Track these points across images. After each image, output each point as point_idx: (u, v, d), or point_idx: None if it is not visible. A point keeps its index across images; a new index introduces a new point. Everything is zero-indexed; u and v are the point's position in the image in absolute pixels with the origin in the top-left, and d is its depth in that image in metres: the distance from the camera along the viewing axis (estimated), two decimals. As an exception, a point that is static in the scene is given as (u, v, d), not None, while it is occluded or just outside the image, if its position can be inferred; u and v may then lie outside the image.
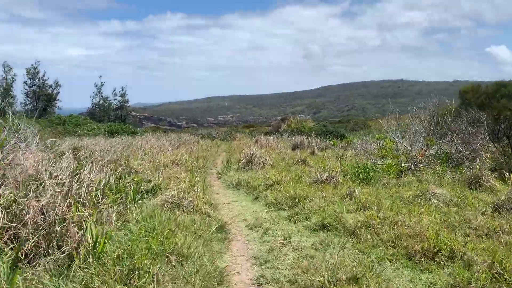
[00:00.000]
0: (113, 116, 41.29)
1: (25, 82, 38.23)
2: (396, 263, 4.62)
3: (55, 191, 4.20)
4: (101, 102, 40.24)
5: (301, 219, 6.32)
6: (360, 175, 8.53)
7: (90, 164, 7.28)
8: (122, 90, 42.18)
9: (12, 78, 34.46)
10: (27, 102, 39.29)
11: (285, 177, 8.61)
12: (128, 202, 5.68)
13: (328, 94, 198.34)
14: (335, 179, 8.30)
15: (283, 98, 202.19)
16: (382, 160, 9.77)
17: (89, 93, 41.65)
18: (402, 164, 9.44)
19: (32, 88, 38.63)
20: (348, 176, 8.75)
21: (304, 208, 6.61)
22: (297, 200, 7.08)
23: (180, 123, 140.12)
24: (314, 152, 15.13)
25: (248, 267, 4.64)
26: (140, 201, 5.99)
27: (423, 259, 4.57)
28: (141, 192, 6.92)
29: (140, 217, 5.50)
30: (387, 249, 4.91)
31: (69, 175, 4.62)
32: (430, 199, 6.97)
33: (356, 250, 4.94)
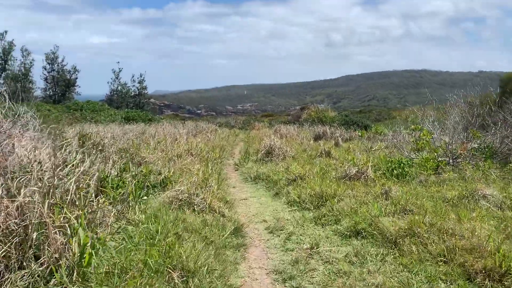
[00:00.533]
0: (131, 103, 40.95)
1: (44, 67, 38.14)
2: (452, 285, 3.73)
3: (34, 188, 3.44)
4: (119, 88, 39.89)
5: (330, 222, 5.45)
6: (394, 170, 7.58)
7: (93, 155, 6.58)
8: (141, 76, 41.77)
9: (31, 63, 34.25)
10: (47, 88, 39.28)
11: (309, 172, 7.73)
12: (130, 199, 4.91)
13: (349, 83, 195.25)
14: (366, 175, 7.39)
15: (303, 87, 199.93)
16: (416, 153, 8.77)
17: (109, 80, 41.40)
18: (439, 159, 8.44)
19: (51, 74, 38.53)
20: (380, 172, 7.82)
21: (332, 209, 5.74)
22: (323, 199, 6.20)
23: (199, 111, 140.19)
24: (338, 143, 14.17)
25: (268, 285, 3.82)
26: (145, 197, 5.22)
27: (487, 281, 3.66)
28: (148, 186, 6.16)
29: (144, 216, 4.74)
30: (438, 266, 4.01)
31: (52, 167, 3.84)
32: (478, 201, 6.01)
33: (400, 266, 4.06)
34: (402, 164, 7.77)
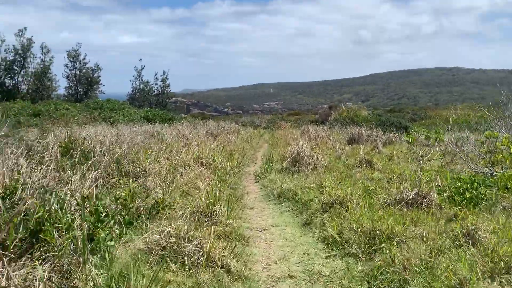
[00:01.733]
0: (153, 102, 39.78)
1: (66, 65, 37.40)
2: None
3: None
4: (141, 86, 38.76)
5: (392, 285, 3.55)
6: (467, 192, 5.58)
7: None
8: (164, 74, 40.50)
9: (50, 60, 33.44)
10: (70, 86, 38.58)
11: (349, 193, 5.80)
12: (82, 249, 3.18)
13: (377, 81, 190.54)
14: (429, 200, 5.42)
15: (330, 86, 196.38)
16: (490, 168, 6.71)
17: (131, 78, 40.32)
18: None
19: (73, 72, 37.78)
20: (446, 194, 5.82)
21: (392, 259, 3.83)
22: (376, 239, 4.30)
23: (225, 110, 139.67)
24: (378, 149, 12.13)
25: None
26: (111, 243, 3.48)
27: None
28: (132, 217, 4.42)
29: (101, 279, 3.00)
30: None
31: None
32: None
33: None
34: (476, 183, 5.76)
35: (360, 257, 4.14)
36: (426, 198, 5.45)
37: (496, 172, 6.36)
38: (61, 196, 3.85)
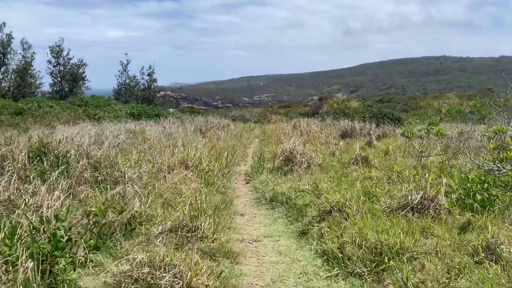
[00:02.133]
0: (140, 97, 38.88)
1: (49, 61, 36.30)
2: None
3: None
4: (127, 81, 37.81)
5: (406, 315, 3.03)
6: (477, 194, 5.07)
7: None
8: (150, 68, 39.54)
9: (32, 56, 32.37)
10: (54, 83, 37.52)
11: (349, 198, 5.25)
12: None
13: (366, 72, 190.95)
14: (437, 204, 4.91)
15: (320, 77, 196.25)
16: (498, 166, 6.22)
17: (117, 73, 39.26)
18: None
19: (56, 68, 36.71)
20: (455, 196, 5.32)
21: (405, 283, 3.30)
22: (383, 256, 3.77)
23: (215, 103, 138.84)
24: (372, 143, 11.63)
25: None
26: (71, 276, 2.90)
27: None
28: (101, 239, 3.84)
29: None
30: None
31: None
32: None
33: None
34: (486, 184, 5.26)
35: (365, 278, 3.61)
36: (433, 202, 4.93)
37: (505, 169, 5.87)
38: (13, 218, 3.25)
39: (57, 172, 5.47)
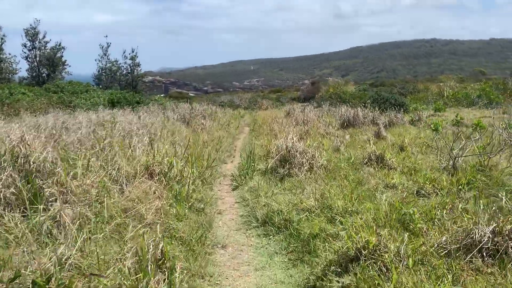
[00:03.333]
0: (123, 82, 36.65)
1: (24, 45, 33.83)
2: None
3: None
4: (107, 66, 35.50)
5: None
6: None
7: None
8: (133, 52, 37.19)
9: (2, 39, 29.98)
10: (31, 67, 35.13)
11: (385, 238, 3.49)
12: None
13: (357, 55, 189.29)
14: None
15: (311, 61, 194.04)
16: None
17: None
18: None
19: (32, 52, 34.29)
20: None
21: None
22: None
23: (205, 88, 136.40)
24: (381, 134, 9.93)
25: None
26: None
27: None
28: None
29: None
30: None
31: None
32: None
33: None
34: None
35: None
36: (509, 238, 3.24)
37: None
38: None
39: None
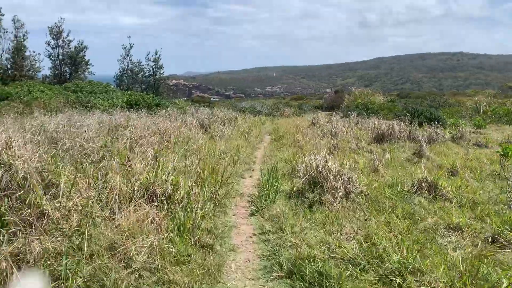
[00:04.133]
0: (145, 84, 36.05)
1: (48, 43, 33.62)
2: None
3: None
4: (129, 67, 34.96)
5: None
6: None
7: None
8: (156, 54, 36.58)
9: (24, 36, 29.74)
10: (54, 66, 34.94)
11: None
12: None
13: (381, 66, 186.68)
14: None
15: (333, 70, 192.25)
16: None
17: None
18: None
19: (55, 50, 34.05)
20: None
21: None
22: None
23: (227, 93, 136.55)
24: (423, 153, 8.64)
25: None
26: None
27: None
28: None
29: None
30: None
31: None
32: None
33: None
34: None
35: None
36: None
37: None
38: None
39: None
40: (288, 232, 4.35)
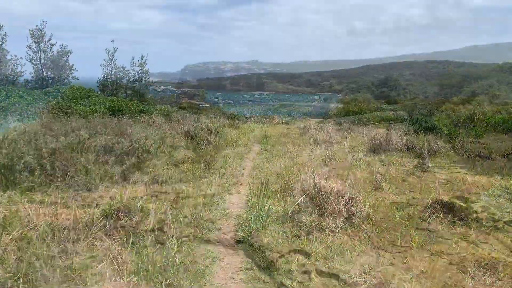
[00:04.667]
0: (130, 90, 34.98)
1: (29, 46, 32.41)
2: None
3: None
4: (113, 72, 33.89)
5: None
6: None
7: None
8: (142, 59, 35.55)
9: (3, 38, 28.53)
10: (36, 70, 33.74)
11: None
12: None
13: (367, 73, 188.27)
14: None
15: (321, 76, 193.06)
16: None
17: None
18: None
19: (37, 54, 32.88)
20: None
21: None
22: None
23: (216, 99, 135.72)
24: (426, 166, 7.90)
25: None
26: None
27: None
28: None
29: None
30: None
31: None
32: None
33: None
34: None
35: None
36: None
37: None
38: None
39: None
40: (282, 271, 3.53)
